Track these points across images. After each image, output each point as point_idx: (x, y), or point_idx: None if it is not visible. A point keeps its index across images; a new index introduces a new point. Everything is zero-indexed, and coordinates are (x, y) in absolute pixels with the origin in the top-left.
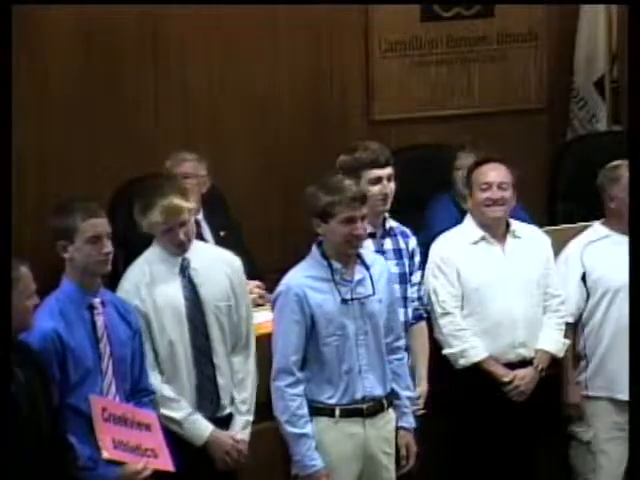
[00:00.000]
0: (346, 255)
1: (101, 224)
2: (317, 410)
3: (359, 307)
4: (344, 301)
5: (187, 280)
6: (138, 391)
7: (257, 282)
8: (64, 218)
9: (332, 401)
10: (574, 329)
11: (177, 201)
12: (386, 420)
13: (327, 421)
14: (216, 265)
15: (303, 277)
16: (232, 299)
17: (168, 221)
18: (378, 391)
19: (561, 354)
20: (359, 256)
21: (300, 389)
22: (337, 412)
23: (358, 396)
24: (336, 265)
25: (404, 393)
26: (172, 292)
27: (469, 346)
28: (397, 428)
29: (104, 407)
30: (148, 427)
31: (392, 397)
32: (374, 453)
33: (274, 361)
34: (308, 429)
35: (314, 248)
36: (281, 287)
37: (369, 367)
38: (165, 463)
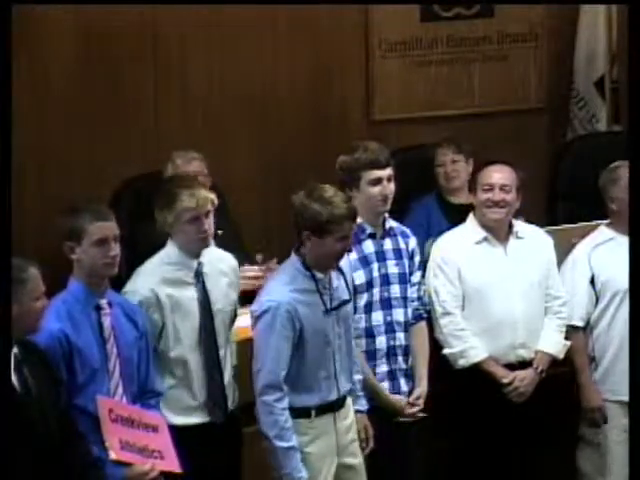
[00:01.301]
0: (331, 267)
1: (109, 227)
2: (291, 413)
3: (336, 313)
4: (327, 310)
5: (201, 285)
6: (145, 392)
7: (255, 267)
8: (72, 219)
9: (308, 404)
10: (584, 333)
11: (204, 190)
12: (347, 408)
13: (303, 422)
14: (219, 266)
15: (290, 291)
16: (233, 303)
17: (198, 208)
18: (347, 388)
19: (561, 355)
20: None
21: (286, 402)
22: (313, 413)
23: (332, 397)
24: (319, 275)
25: (356, 377)
26: (189, 297)
27: (469, 346)
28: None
29: (111, 408)
30: (155, 429)
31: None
32: (344, 444)
33: (260, 376)
34: (295, 442)
35: (295, 259)
36: (270, 303)
37: (342, 369)
38: (172, 465)
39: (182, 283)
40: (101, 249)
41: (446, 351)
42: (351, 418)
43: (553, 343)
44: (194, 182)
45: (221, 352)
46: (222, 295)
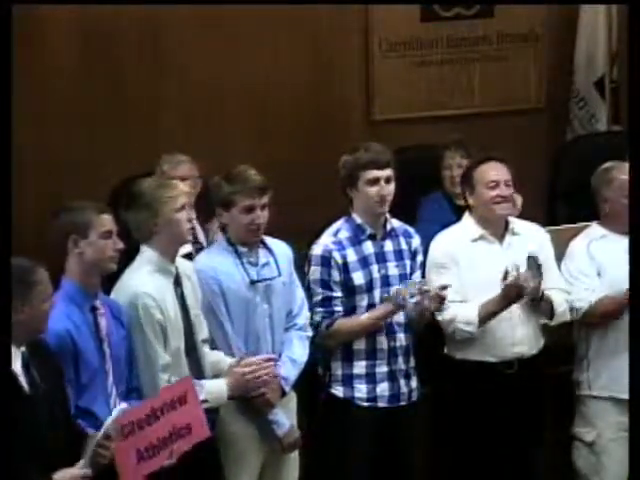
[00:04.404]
0: (249, 242)
1: (112, 221)
2: None
3: (264, 290)
4: (252, 283)
5: (180, 290)
6: (130, 391)
7: None
8: (77, 213)
9: None
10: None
11: (180, 185)
12: (287, 399)
13: (230, 403)
14: (185, 270)
15: (213, 261)
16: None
17: (188, 199)
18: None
19: (559, 309)
20: (262, 241)
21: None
22: None
23: None
24: (242, 249)
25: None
26: (172, 302)
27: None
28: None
29: (123, 424)
30: (182, 400)
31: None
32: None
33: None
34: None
35: (220, 235)
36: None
37: (274, 351)
38: (199, 433)
39: (166, 289)
40: (108, 241)
41: (439, 317)
42: (290, 410)
43: (559, 300)
44: (167, 180)
45: (201, 353)
46: (194, 299)
